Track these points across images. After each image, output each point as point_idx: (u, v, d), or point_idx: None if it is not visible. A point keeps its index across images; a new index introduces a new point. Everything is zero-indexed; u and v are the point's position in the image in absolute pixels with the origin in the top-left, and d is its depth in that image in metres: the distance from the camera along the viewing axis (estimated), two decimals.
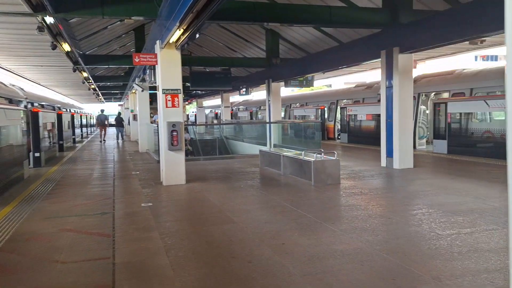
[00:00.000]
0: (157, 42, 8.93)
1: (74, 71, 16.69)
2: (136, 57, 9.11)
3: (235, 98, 36.65)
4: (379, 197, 7.27)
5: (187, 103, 42.34)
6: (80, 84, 26.17)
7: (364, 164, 11.44)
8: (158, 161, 13.37)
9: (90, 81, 24.17)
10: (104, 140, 24.41)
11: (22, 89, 15.71)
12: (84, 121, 33.30)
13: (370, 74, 30.66)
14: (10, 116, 8.93)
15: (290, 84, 18.61)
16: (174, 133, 9.02)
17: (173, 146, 9.04)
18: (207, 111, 42.99)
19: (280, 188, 8.44)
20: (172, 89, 9.03)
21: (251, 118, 32.48)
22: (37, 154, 12.62)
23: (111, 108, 60.61)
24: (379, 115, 16.95)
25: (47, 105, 18.67)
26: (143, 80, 17.22)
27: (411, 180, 8.81)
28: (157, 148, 13.92)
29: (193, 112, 48.61)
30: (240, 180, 9.52)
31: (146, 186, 9.05)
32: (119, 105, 46.80)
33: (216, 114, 41.68)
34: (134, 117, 24.61)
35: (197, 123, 34.23)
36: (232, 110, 35.11)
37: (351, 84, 31.41)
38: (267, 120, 18.93)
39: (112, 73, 27.54)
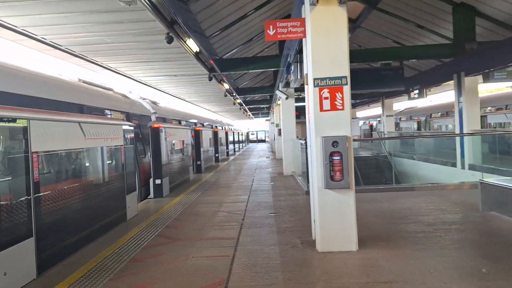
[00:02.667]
0: None
1: (210, 79, 14.13)
2: (271, 27, 5.38)
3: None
4: None
5: None
6: (224, 99, 24.42)
7: None
8: (307, 192, 9.52)
9: (233, 94, 22.01)
10: None
11: (154, 103, 13.78)
12: (231, 138, 31.98)
13: None
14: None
15: (493, 77, 12.87)
16: (336, 158, 4.95)
17: (333, 182, 4.97)
18: (360, 122, 38.04)
19: None
20: (332, 78, 5.05)
21: (419, 129, 26.49)
22: (158, 181, 10.03)
23: (259, 125, 60.43)
24: None
25: (184, 121, 16.69)
26: (287, 84, 13.78)
27: None
28: (306, 170, 10.18)
29: None
30: (469, 248, 4.90)
31: (287, 249, 5.19)
32: (266, 120, 45.30)
33: (371, 125, 36.44)
34: (279, 132, 21.56)
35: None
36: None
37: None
38: (458, 130, 13.48)
39: (258, 84, 25.18)
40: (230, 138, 31.48)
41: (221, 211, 8.09)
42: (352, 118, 32.02)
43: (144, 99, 13.17)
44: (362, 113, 45.84)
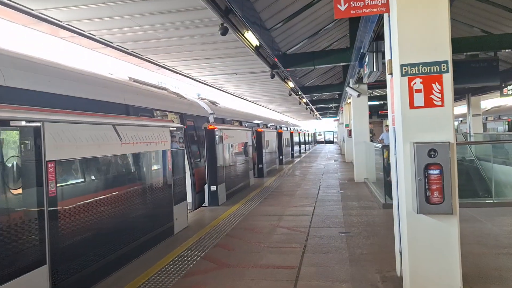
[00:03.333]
0: None
1: (273, 77, 13.08)
2: (342, 1, 4.15)
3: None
4: None
5: None
6: (289, 99, 23.27)
7: None
8: (384, 205, 8.12)
9: (299, 93, 20.78)
10: None
11: (213, 103, 13.03)
12: (296, 139, 30.76)
13: None
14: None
15: None
16: (434, 173, 3.62)
17: (430, 205, 3.63)
18: None
19: None
20: (426, 63, 3.74)
21: (510, 130, 23.31)
22: (213, 188, 9.15)
23: (327, 125, 58.46)
24: None
25: (246, 122, 15.81)
26: (359, 80, 12.32)
27: None
28: (382, 177, 8.78)
29: None
30: None
31: None
32: (334, 120, 43.38)
33: None
34: (349, 134, 19.98)
35: None
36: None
37: None
38: None
39: (326, 82, 23.71)
40: (296, 139, 30.25)
41: (281, 226, 6.96)
42: None
43: (202, 99, 12.46)
44: None
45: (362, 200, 9.29)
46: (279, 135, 20.29)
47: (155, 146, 5.92)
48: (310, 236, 6.23)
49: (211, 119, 11.34)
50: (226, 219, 7.64)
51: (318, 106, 33.46)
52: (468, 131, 19.82)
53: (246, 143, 12.50)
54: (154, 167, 6.10)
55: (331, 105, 34.48)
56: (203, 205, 9.25)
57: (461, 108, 26.10)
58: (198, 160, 9.67)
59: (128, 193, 5.20)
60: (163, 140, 6.20)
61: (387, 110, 28.95)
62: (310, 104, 28.88)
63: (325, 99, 30.83)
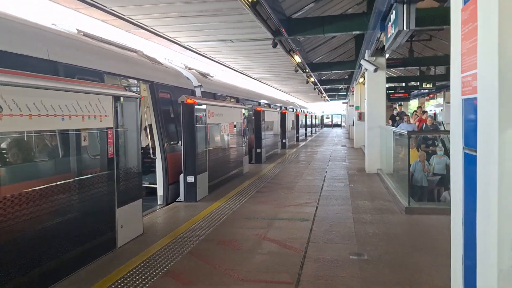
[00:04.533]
0: None
1: (275, 45, 11.01)
2: None
3: None
4: None
5: (428, 97, 32.78)
6: (295, 77, 21.18)
7: None
8: (407, 210, 6.21)
9: (306, 70, 18.66)
10: None
11: (204, 75, 11.03)
12: (302, 122, 28.76)
13: None
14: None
15: None
16: None
17: None
18: None
19: None
20: None
21: None
22: (190, 179, 7.24)
23: (335, 108, 56.37)
24: None
25: (246, 100, 13.81)
26: (377, 51, 10.24)
27: None
28: (408, 173, 6.92)
29: (432, 110, 35.42)
30: None
31: None
32: (343, 103, 41.12)
33: None
34: (360, 117, 17.96)
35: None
36: None
37: None
38: None
39: (336, 59, 21.51)
40: (302, 122, 28.23)
41: (268, 238, 5.06)
42: (446, 103, 26.50)
43: (189, 69, 10.46)
44: None
45: (377, 199, 7.35)
46: (283, 116, 18.31)
47: (82, 122, 4.00)
48: (308, 258, 4.33)
49: (197, 92, 9.38)
50: (198, 223, 5.76)
51: (327, 86, 31.32)
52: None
53: (241, 123, 10.55)
54: (81, 154, 4.18)
55: (340, 86, 32.28)
56: (177, 199, 7.38)
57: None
58: (175, 142, 7.76)
59: (19, 196, 3.29)
60: (100, 113, 4.27)
61: (399, 93, 26.77)
62: (318, 84, 26.74)
63: (334, 79, 28.68)
